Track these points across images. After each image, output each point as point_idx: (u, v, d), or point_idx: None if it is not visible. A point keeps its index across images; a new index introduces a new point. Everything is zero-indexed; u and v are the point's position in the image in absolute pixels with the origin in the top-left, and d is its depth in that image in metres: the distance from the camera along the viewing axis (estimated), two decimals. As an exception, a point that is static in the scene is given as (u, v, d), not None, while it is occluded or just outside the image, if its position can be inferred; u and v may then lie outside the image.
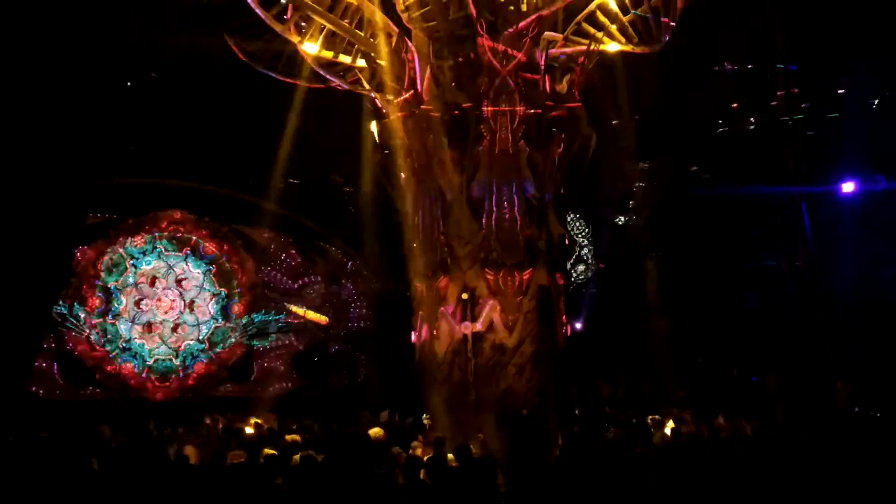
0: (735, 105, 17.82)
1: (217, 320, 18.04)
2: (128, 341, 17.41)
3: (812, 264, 17.42)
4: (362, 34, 10.89)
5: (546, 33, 10.89)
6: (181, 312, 17.82)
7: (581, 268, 22.32)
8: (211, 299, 18.05)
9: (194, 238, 18.05)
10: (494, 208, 10.50)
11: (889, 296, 17.63)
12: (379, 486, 6.49)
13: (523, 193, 10.54)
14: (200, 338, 17.85)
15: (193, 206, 18.05)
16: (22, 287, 6.32)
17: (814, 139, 17.18)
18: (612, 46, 10.95)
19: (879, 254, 17.48)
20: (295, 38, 10.97)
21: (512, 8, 10.23)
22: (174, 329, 17.76)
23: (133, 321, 17.49)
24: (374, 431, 9.43)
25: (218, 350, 17.98)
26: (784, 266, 18.19)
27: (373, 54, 10.75)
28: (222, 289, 18.13)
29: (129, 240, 17.67)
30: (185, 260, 17.96)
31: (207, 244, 18.14)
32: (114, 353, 17.27)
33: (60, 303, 16.48)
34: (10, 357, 6.50)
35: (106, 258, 17.46)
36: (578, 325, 18.98)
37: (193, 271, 18.00)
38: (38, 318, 6.87)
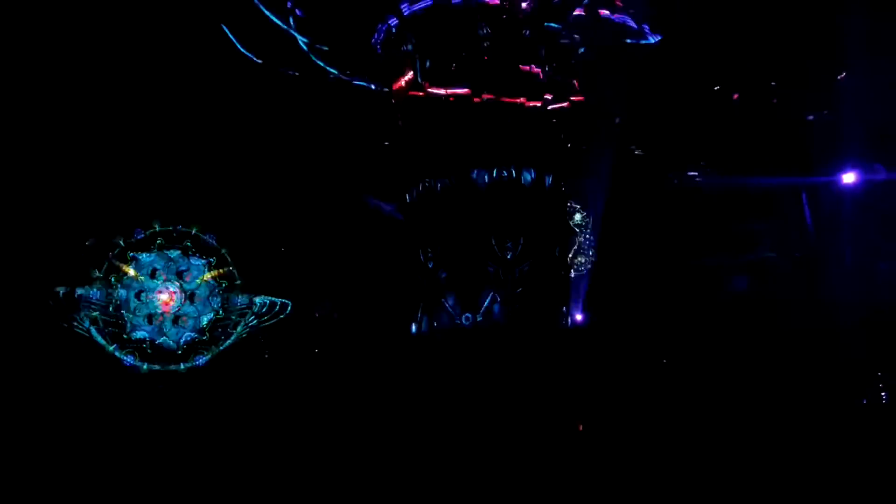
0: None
1: (218, 313, 18.04)
2: (128, 333, 17.43)
3: (812, 254, 17.39)
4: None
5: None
6: (181, 304, 17.82)
7: (581, 259, 22.26)
8: (211, 291, 18.03)
9: (194, 230, 18.06)
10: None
11: (888, 284, 17.59)
12: None
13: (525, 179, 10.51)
14: (200, 328, 17.86)
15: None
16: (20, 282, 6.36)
17: (814, 129, 17.13)
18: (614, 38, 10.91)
19: (879, 244, 17.44)
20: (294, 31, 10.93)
21: None
22: (175, 321, 17.77)
23: (134, 313, 17.51)
24: None
25: (220, 344, 18.01)
26: (784, 257, 18.16)
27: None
28: (223, 280, 18.13)
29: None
30: (185, 252, 17.95)
31: (207, 236, 18.15)
32: (114, 346, 17.30)
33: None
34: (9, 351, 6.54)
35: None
36: (579, 317, 18.91)
37: (193, 263, 17.99)
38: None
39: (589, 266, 21.76)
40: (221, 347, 18.03)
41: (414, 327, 12.70)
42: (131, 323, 17.48)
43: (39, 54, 14.24)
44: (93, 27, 13.89)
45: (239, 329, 18.22)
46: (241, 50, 12.13)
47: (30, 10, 13.47)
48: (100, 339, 17.25)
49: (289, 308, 18.59)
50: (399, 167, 12.93)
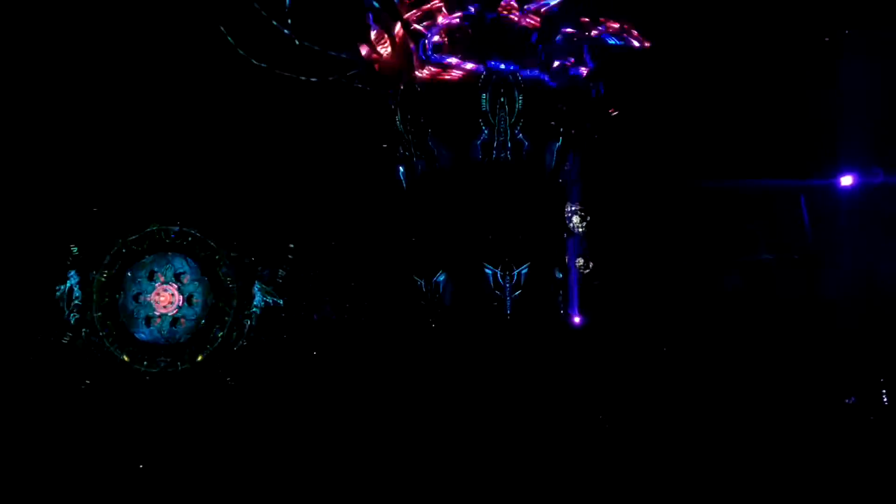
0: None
1: (216, 314, 17.99)
2: (126, 335, 17.38)
3: (810, 258, 17.40)
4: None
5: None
6: (179, 307, 17.77)
7: (579, 259, 22.09)
8: (208, 293, 17.97)
9: (192, 232, 18.02)
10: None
11: (887, 290, 17.59)
12: None
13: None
14: (198, 330, 17.82)
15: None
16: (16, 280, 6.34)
17: (812, 131, 17.14)
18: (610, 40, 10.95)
19: (878, 247, 17.45)
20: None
21: None
22: (173, 323, 17.72)
23: (131, 315, 17.46)
24: None
25: (217, 345, 17.96)
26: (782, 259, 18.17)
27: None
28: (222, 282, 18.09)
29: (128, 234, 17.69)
30: (182, 254, 17.91)
31: (207, 238, 18.12)
32: (112, 346, 17.26)
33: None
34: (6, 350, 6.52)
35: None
36: (577, 319, 18.84)
37: (191, 265, 17.94)
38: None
39: (587, 267, 21.74)
40: (217, 345, 17.99)
41: (412, 328, 12.66)
42: (129, 325, 17.44)
43: (38, 54, 14.23)
44: (91, 27, 13.88)
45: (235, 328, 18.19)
46: (239, 50, 12.11)
47: (29, 9, 13.47)
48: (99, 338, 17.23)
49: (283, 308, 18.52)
50: (397, 167, 12.90)
